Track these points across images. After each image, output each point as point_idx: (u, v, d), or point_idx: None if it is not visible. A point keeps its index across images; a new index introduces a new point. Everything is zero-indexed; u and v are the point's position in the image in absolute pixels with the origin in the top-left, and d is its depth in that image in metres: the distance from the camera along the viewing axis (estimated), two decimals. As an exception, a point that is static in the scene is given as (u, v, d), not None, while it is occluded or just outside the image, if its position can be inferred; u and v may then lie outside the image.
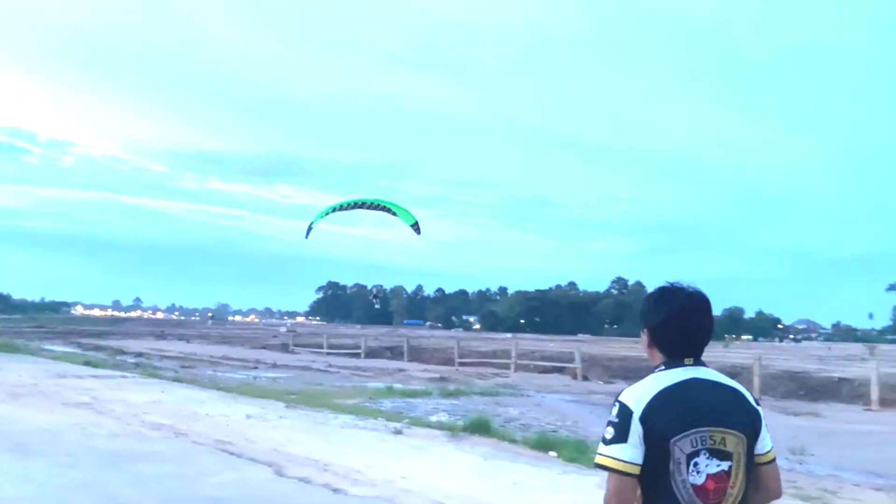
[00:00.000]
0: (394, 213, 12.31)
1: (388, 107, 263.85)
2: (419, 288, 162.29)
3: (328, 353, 35.28)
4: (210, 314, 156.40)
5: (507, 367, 27.38)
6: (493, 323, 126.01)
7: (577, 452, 8.84)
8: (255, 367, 24.29)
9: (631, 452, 1.83)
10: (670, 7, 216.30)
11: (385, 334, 56.08)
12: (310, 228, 12.32)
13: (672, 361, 1.98)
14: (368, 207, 12.39)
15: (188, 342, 43.98)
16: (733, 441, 1.88)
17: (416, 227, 12.39)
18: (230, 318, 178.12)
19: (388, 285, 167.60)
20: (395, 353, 35.23)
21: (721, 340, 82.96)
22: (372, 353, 35.25)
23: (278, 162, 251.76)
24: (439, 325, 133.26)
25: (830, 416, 15.55)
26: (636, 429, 1.85)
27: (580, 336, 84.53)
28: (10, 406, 11.29)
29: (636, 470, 1.83)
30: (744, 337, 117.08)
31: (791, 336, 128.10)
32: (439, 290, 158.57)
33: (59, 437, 8.72)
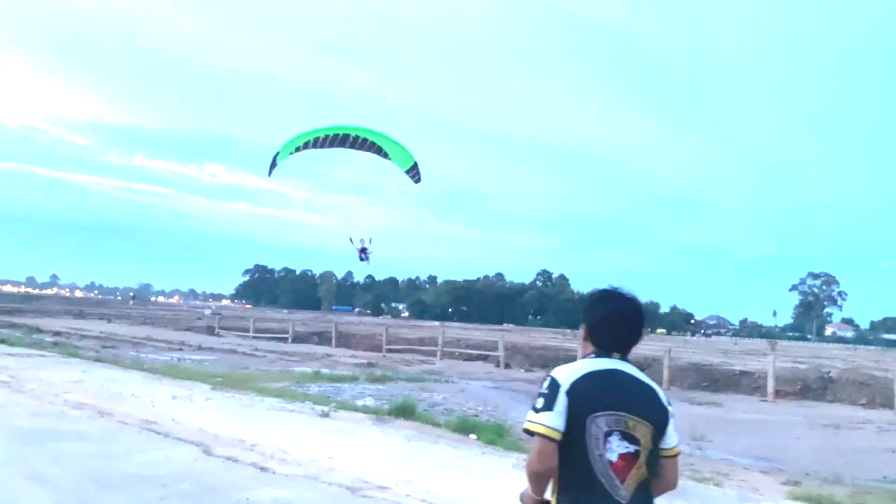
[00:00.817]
0: (385, 155, 9.87)
1: (319, 91, 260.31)
2: (349, 274, 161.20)
3: (255, 337, 34.94)
4: (132, 294, 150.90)
5: (433, 354, 27.89)
6: (422, 311, 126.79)
7: (495, 435, 9.36)
8: (180, 350, 23.93)
9: (556, 420, 2.17)
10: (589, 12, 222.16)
11: (313, 319, 55.69)
12: (273, 164, 9.86)
13: (602, 353, 2.34)
14: (351, 145, 9.74)
15: (109, 322, 42.63)
16: (643, 430, 2.23)
17: (413, 172, 10.12)
18: (153, 298, 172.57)
19: (317, 270, 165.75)
20: (322, 338, 35.20)
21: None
22: (299, 338, 35.13)
23: (208, 141, 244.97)
24: (368, 311, 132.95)
25: (730, 406, 16.70)
26: (562, 400, 2.21)
27: (505, 326, 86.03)
28: (-80, 383, 10.95)
29: (558, 436, 2.16)
30: (659, 330, 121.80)
31: (702, 331, 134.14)
32: (369, 277, 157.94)
33: (-24, 415, 8.60)
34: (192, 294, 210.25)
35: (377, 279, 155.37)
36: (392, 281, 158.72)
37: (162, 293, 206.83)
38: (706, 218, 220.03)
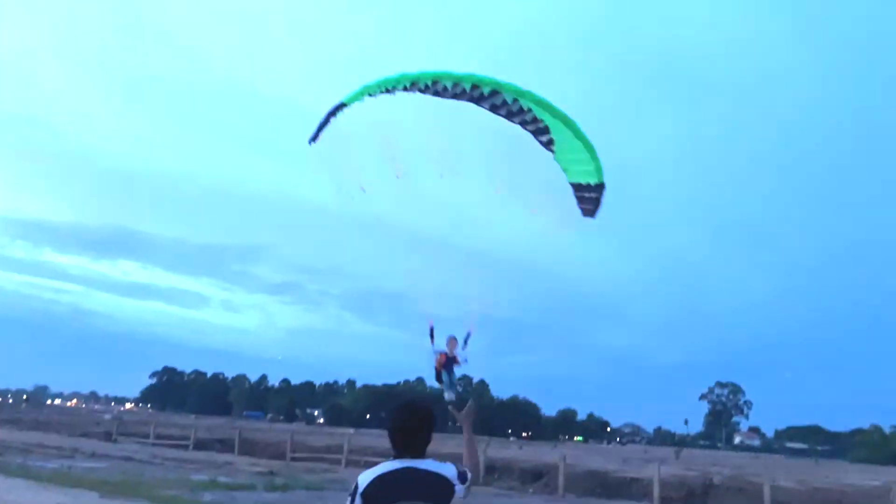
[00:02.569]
0: (548, 143, 5.41)
1: (236, 188, 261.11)
2: (263, 377, 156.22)
3: (154, 444, 33.65)
4: (25, 396, 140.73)
5: (339, 462, 27.70)
6: (338, 416, 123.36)
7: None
8: (72, 457, 23.02)
9: None
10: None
11: (220, 426, 53.86)
12: (327, 121, 5.38)
13: (398, 454, 3.17)
14: (490, 105, 5.15)
15: (-4, 427, 39.98)
16: None
17: (595, 193, 5.73)
18: (49, 401, 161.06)
19: (230, 373, 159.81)
20: (226, 445, 34.25)
21: (553, 441, 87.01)
22: (201, 445, 34.03)
23: (121, 236, 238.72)
24: (281, 417, 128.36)
25: (617, 513, 17.55)
26: (358, 500, 3.06)
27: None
28: None
29: None
30: (576, 438, 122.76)
31: (618, 439, 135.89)
32: (284, 380, 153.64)
33: None
34: (94, 396, 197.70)
35: (293, 383, 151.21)
36: (308, 385, 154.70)
37: (60, 395, 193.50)
38: (620, 323, 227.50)
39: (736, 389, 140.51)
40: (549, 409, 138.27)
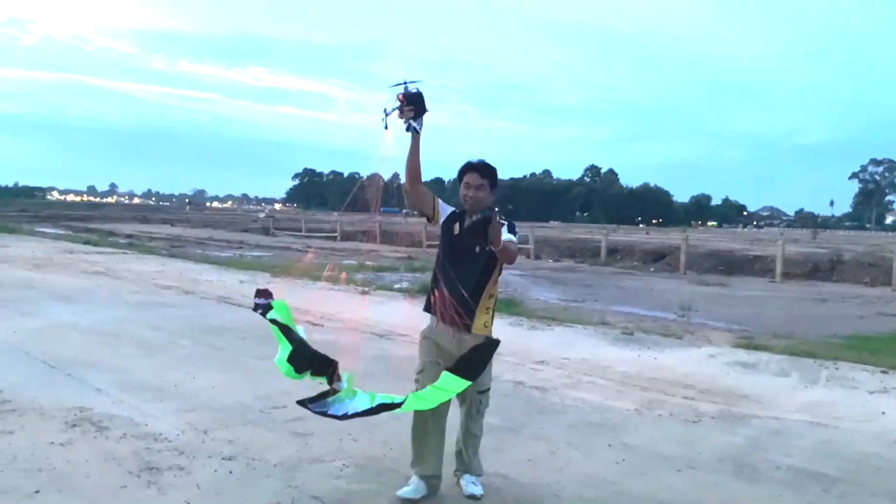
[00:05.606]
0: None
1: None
2: (395, 176, 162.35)
3: (306, 236, 37.56)
4: (187, 200, 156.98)
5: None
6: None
7: (503, 305, 11.30)
8: (240, 247, 26.48)
9: None
10: None
11: (361, 221, 58.24)
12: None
13: None
14: None
15: (172, 226, 45.88)
16: None
17: None
18: (207, 203, 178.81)
19: (364, 172, 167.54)
20: (367, 236, 37.58)
21: (686, 226, 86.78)
22: (347, 237, 37.58)
23: (249, 43, 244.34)
24: (414, 213, 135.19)
25: (736, 286, 18.28)
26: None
27: (551, 223, 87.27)
28: (38, 273, 13.41)
29: None
30: (710, 223, 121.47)
31: (754, 223, 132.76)
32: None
33: (91, 292, 10.93)
34: (245, 198, 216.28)
35: (423, 180, 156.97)
36: (438, 181, 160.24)
37: (216, 198, 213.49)
38: (762, 103, 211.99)
39: (893, 166, 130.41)
40: (681, 197, 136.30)
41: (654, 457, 4.45)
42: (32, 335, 7.34)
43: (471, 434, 3.73)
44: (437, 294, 3.60)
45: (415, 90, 3.50)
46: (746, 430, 5.11)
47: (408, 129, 3.50)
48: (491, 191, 3.62)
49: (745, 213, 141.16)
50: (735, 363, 7.43)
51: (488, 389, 3.77)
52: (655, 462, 4.35)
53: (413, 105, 3.46)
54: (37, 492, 3.46)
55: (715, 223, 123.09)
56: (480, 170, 3.63)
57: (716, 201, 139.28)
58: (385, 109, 3.47)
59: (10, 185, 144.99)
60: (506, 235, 3.37)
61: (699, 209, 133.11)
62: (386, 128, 3.51)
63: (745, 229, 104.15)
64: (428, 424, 3.58)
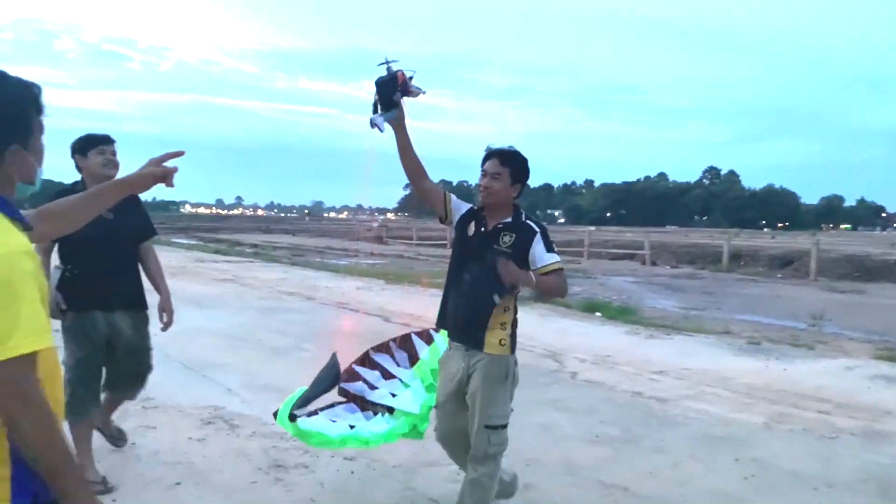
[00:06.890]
0: None
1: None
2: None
3: (417, 244, 38.30)
4: (307, 211, 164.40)
5: (580, 254, 29.39)
6: (578, 216, 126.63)
7: (618, 313, 11.03)
8: (356, 255, 27.37)
9: None
10: None
11: (470, 227, 58.76)
12: None
13: None
14: None
15: (293, 235, 48.14)
16: None
17: None
18: (325, 214, 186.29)
19: (472, 181, 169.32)
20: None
21: (815, 229, 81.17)
22: (458, 244, 37.93)
23: (361, 58, 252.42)
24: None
25: (872, 293, 16.89)
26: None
27: (668, 228, 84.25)
28: (173, 280, 14.27)
29: None
30: (842, 226, 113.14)
31: (894, 225, 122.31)
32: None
33: (221, 299, 11.63)
34: (359, 209, 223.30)
35: (532, 186, 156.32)
36: (547, 187, 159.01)
37: (333, 209, 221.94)
38: (893, 96, 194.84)
39: None
40: (809, 199, 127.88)
41: (786, 474, 4.18)
42: (170, 338, 7.80)
43: (474, 483, 2.98)
44: (445, 306, 3.15)
45: (387, 76, 2.86)
46: (893, 449, 4.71)
47: (372, 126, 2.89)
48: (513, 184, 2.97)
49: (883, 215, 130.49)
50: (877, 377, 6.88)
51: (504, 426, 2.98)
52: (788, 479, 4.09)
53: (379, 94, 2.86)
54: (178, 483, 3.73)
55: (849, 226, 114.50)
56: (501, 156, 2.97)
57: (849, 202, 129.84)
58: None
59: (150, 199, 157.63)
60: (542, 260, 2.93)
61: (830, 211, 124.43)
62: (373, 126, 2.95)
63: (884, 232, 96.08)
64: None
